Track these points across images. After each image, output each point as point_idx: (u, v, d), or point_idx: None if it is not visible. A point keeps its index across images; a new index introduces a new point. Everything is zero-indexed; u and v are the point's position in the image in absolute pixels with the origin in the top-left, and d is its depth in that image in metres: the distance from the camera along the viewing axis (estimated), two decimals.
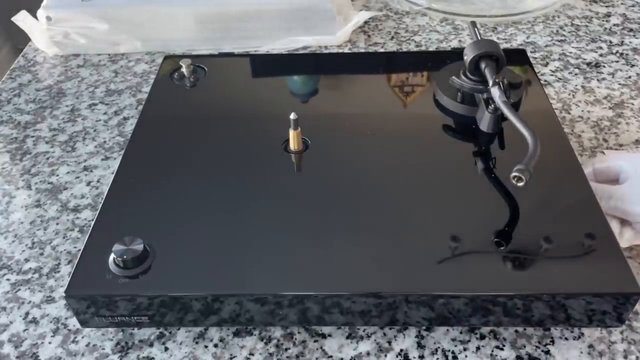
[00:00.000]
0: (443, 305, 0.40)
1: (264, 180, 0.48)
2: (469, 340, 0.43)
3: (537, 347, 0.43)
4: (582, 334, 0.44)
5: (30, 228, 0.54)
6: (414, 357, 0.43)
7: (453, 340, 0.44)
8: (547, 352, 0.43)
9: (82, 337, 0.45)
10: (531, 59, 0.66)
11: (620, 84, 0.69)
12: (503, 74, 0.53)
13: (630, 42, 0.78)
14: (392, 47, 0.79)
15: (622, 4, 0.87)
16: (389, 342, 0.44)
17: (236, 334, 0.44)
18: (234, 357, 0.43)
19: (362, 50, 0.78)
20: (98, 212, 0.46)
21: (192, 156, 0.51)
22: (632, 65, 0.73)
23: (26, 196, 0.58)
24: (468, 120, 0.53)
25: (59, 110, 0.69)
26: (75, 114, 0.68)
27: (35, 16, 0.79)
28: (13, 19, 0.80)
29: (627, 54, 0.75)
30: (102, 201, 0.47)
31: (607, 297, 0.39)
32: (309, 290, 0.40)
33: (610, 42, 0.78)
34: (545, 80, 0.70)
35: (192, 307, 0.41)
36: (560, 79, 0.71)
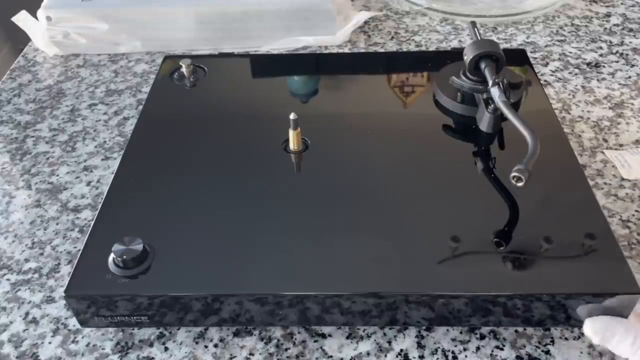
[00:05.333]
0: (443, 305, 0.40)
1: (263, 180, 0.48)
2: (469, 340, 0.43)
3: (537, 347, 0.43)
4: (582, 334, 0.44)
5: (30, 228, 0.54)
6: (414, 357, 0.43)
7: (453, 340, 0.44)
8: (547, 352, 0.42)
9: (82, 337, 0.45)
10: (531, 59, 0.66)
11: (620, 84, 0.69)
12: (503, 74, 0.53)
13: (630, 42, 0.78)
14: (392, 47, 0.78)
15: (622, 4, 0.87)
16: (389, 342, 0.44)
17: (236, 334, 0.44)
18: (234, 357, 0.43)
19: (362, 50, 0.78)
20: (98, 212, 0.46)
21: (192, 156, 0.51)
22: (632, 65, 0.73)
23: (26, 196, 0.57)
24: (468, 120, 0.53)
25: (59, 110, 0.69)
26: (75, 114, 0.68)
27: (35, 16, 0.79)
28: (13, 19, 0.80)
29: (627, 54, 0.75)
30: (102, 201, 0.47)
31: (607, 297, 0.39)
32: (309, 290, 0.40)
33: (610, 42, 0.78)
34: (545, 80, 0.70)
35: (192, 307, 0.41)
36: (560, 79, 0.71)
